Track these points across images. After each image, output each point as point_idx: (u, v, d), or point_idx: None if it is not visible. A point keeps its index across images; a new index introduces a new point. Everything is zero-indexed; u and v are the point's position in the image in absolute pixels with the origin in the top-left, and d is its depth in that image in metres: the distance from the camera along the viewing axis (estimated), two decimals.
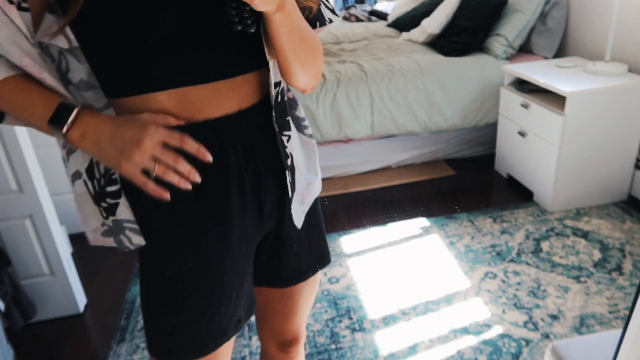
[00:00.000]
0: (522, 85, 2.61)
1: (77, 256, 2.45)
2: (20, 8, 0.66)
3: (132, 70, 0.72)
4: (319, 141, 2.84)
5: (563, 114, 2.29)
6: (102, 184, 0.79)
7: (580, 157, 2.38)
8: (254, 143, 0.82)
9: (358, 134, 2.87)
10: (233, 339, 0.93)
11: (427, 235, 2.40)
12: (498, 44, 2.94)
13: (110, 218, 0.80)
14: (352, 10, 4.65)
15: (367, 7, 4.82)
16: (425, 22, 3.35)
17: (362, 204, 2.74)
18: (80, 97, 0.75)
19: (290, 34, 0.73)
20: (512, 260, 2.16)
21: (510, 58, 2.98)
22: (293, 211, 0.90)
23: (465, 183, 2.88)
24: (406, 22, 3.71)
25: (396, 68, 2.88)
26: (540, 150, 2.48)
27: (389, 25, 4.01)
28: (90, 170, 0.79)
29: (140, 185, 0.72)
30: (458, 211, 2.57)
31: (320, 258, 1.03)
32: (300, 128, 0.94)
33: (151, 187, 0.71)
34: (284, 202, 0.90)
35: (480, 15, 3.01)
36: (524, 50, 3.11)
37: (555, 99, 2.42)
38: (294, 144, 0.90)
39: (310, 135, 0.96)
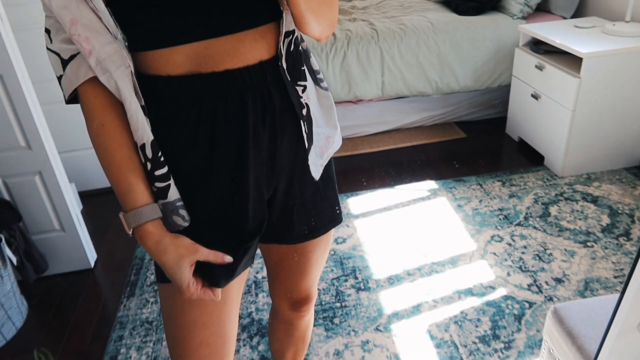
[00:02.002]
0: (538, 46, 2.54)
1: (87, 213, 2.49)
2: None
3: (153, 25, 0.73)
4: None
5: (578, 76, 2.23)
6: (150, 168, 0.77)
7: (594, 121, 2.34)
8: (272, 94, 0.81)
9: (368, 95, 2.83)
10: (241, 290, 0.93)
11: (435, 197, 2.39)
12: (515, 2, 2.84)
13: (160, 202, 0.79)
14: None
15: None
16: None
17: (371, 165, 2.73)
18: None
19: None
20: (519, 224, 2.15)
21: (526, 17, 2.88)
22: (310, 163, 0.89)
23: (476, 146, 2.84)
24: None
25: (408, 27, 2.81)
26: (553, 113, 2.43)
27: None
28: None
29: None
30: (469, 172, 2.55)
31: (333, 217, 1.01)
32: (316, 81, 0.91)
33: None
34: (299, 156, 0.88)
35: None
36: (542, 9, 3.01)
37: (571, 61, 2.35)
38: (310, 95, 0.89)
39: (326, 89, 0.93)
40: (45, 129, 1.86)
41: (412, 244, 2.09)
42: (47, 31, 0.75)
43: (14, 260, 1.82)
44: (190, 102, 0.77)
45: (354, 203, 2.40)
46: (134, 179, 0.76)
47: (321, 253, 1.06)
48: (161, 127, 0.79)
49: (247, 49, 0.77)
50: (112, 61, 0.72)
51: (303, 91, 0.85)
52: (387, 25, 2.85)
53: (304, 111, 0.86)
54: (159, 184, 0.78)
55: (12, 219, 1.86)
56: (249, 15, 0.75)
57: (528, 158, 2.66)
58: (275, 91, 0.81)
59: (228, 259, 0.80)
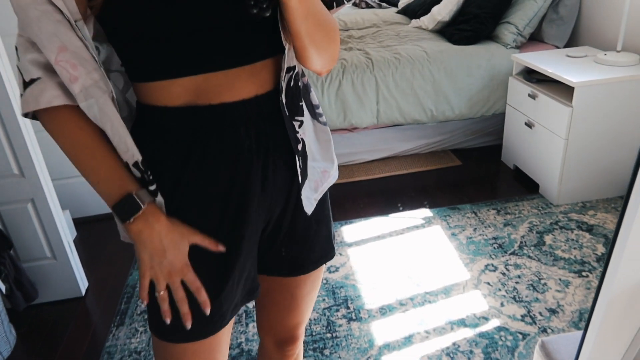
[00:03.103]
0: (531, 75, 2.56)
1: (80, 240, 2.49)
2: None
3: (154, 58, 0.75)
4: None
5: (570, 105, 2.24)
6: (145, 176, 0.79)
7: (587, 150, 2.34)
8: (266, 127, 0.82)
9: (363, 123, 2.84)
10: (232, 322, 0.93)
11: (429, 226, 2.38)
12: (508, 32, 2.88)
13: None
14: None
15: None
16: (435, 9, 3.29)
17: (366, 193, 2.73)
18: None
19: (306, 18, 0.73)
20: (513, 253, 2.14)
21: (520, 47, 2.92)
22: (304, 197, 0.89)
23: (471, 174, 2.84)
24: (416, 9, 3.65)
25: (403, 56, 2.84)
26: (546, 141, 2.44)
27: (399, 12, 3.95)
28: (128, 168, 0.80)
29: (140, 296, 0.81)
30: (464, 200, 2.55)
31: (324, 253, 1.01)
32: (315, 115, 0.92)
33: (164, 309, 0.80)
34: (293, 190, 0.88)
35: (491, 3, 2.95)
36: (535, 38, 3.05)
37: (564, 90, 2.37)
38: (307, 130, 0.89)
39: (324, 123, 0.94)
40: (39, 157, 1.88)
41: (405, 273, 2.08)
42: (17, 49, 0.75)
43: (3, 288, 1.81)
44: (186, 133, 0.78)
45: (348, 231, 2.39)
46: (122, 168, 0.77)
47: (309, 290, 1.04)
48: (156, 156, 0.80)
49: (244, 83, 0.78)
50: (98, 87, 0.73)
51: (300, 126, 0.86)
52: (382, 54, 2.89)
53: (300, 146, 0.86)
54: (150, 188, 0.80)
55: (3, 247, 1.86)
56: (246, 51, 0.77)
57: (523, 186, 2.66)
58: (271, 125, 0.82)
59: (221, 248, 0.81)
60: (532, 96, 2.48)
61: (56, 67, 0.71)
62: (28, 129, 1.83)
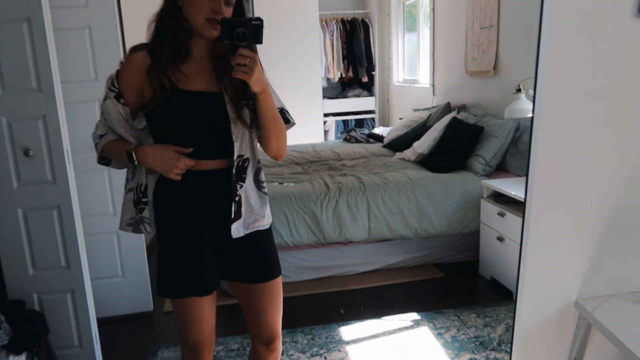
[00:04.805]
0: (499, 198, 3.03)
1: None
2: (123, 104, 1.41)
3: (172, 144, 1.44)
4: (321, 242, 3.18)
5: None
6: (140, 197, 1.47)
7: None
8: (222, 185, 1.44)
9: (356, 237, 3.22)
10: (213, 298, 1.51)
11: (417, 327, 2.65)
12: (478, 163, 3.42)
13: (138, 215, 1.48)
14: (352, 133, 5.26)
15: (366, 131, 5.45)
16: (416, 144, 3.88)
17: (360, 300, 3.01)
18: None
19: (268, 110, 1.39)
20: (493, 349, 2.39)
21: (489, 175, 3.43)
22: (234, 228, 1.45)
23: (453, 285, 3.17)
24: (399, 144, 4.25)
25: (390, 181, 3.32)
26: (516, 254, 2.81)
27: (385, 146, 4.56)
28: (136, 189, 1.47)
29: (175, 178, 1.40)
30: (448, 306, 2.84)
31: (267, 274, 1.53)
32: (259, 187, 1.53)
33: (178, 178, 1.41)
34: (229, 222, 1.44)
35: (462, 140, 3.53)
36: (500, 168, 3.58)
37: None
38: (249, 192, 1.48)
39: (265, 193, 1.54)
40: (84, 254, 2.19)
41: None
42: (96, 127, 1.48)
43: None
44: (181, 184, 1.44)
45: (345, 331, 2.64)
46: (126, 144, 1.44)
47: (270, 296, 1.55)
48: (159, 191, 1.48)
49: (214, 163, 1.44)
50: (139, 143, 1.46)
51: (240, 188, 1.45)
52: (373, 179, 3.37)
53: (237, 199, 1.45)
54: (142, 206, 1.47)
55: (42, 332, 2.08)
56: (218, 151, 1.43)
57: (499, 294, 2.98)
58: (223, 185, 1.44)
59: (189, 149, 1.39)
60: (501, 214, 2.92)
61: (121, 134, 1.44)
62: (80, 230, 2.16)
